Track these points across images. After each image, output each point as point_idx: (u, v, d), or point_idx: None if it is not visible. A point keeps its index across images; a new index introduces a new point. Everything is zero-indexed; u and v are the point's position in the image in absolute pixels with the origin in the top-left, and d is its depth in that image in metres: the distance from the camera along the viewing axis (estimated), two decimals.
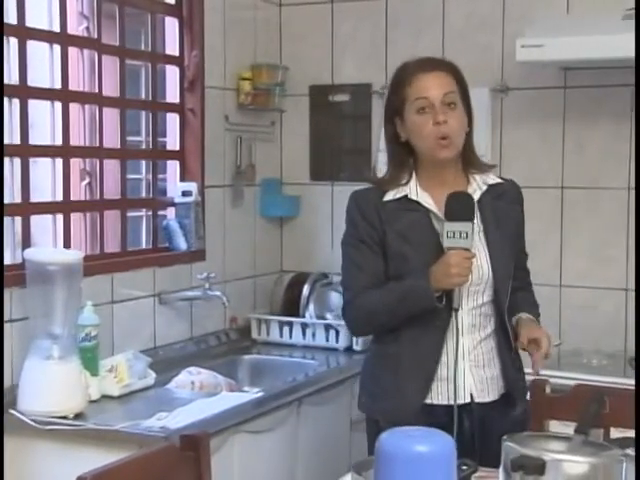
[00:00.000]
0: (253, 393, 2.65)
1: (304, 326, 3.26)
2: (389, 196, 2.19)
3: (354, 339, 3.16)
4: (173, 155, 3.17)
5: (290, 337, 3.27)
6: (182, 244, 3.09)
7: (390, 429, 1.64)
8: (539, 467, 1.54)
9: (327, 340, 3.21)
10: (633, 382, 2.64)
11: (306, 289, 3.34)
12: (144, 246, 3.14)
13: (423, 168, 2.20)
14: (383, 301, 2.16)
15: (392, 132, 2.21)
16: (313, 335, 3.24)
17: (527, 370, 2.16)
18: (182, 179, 3.16)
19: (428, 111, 2.13)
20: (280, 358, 3.16)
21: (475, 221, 2.12)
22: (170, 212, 3.14)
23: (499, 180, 2.25)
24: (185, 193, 3.11)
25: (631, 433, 1.88)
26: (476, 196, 2.18)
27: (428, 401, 2.14)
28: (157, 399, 2.53)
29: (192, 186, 3.11)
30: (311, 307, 3.30)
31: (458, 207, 2.11)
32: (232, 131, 3.28)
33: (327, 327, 3.23)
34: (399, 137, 2.19)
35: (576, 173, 3.17)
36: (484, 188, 2.20)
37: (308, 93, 3.52)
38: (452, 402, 2.10)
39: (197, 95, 3.13)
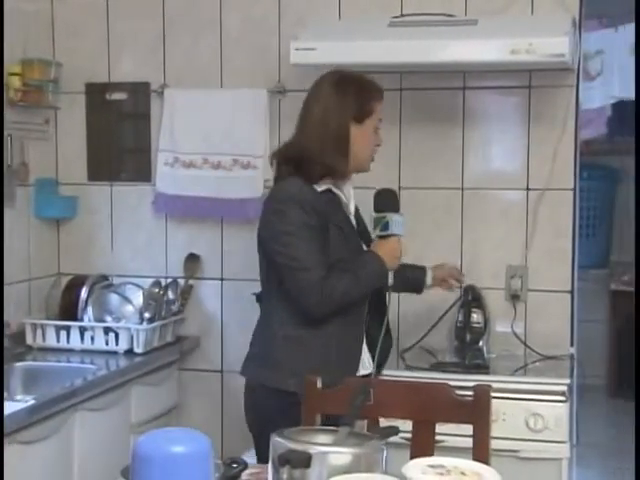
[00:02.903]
0: (24, 401, 2.54)
1: (82, 330, 3.17)
2: (319, 188, 2.46)
3: (135, 342, 3.11)
4: None
5: (68, 342, 3.17)
6: None
7: None
8: (305, 460, 1.58)
9: (107, 343, 3.14)
10: (402, 373, 2.78)
11: (84, 292, 3.25)
12: None
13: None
14: (352, 284, 2.42)
15: (347, 133, 2.46)
16: (92, 339, 3.15)
17: None
18: None
19: (377, 132, 2.53)
20: (57, 364, 3.05)
21: None
22: None
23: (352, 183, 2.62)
24: None
25: (395, 422, 1.97)
26: (353, 194, 2.56)
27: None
28: None
29: None
30: (90, 310, 3.21)
31: (396, 200, 2.50)
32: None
33: (106, 330, 3.15)
34: (349, 137, 2.47)
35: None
36: (352, 191, 2.59)
37: (84, 91, 3.43)
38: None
39: None
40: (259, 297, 2.68)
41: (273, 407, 2.45)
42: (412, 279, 2.86)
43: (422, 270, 2.89)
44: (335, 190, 2.50)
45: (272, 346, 2.51)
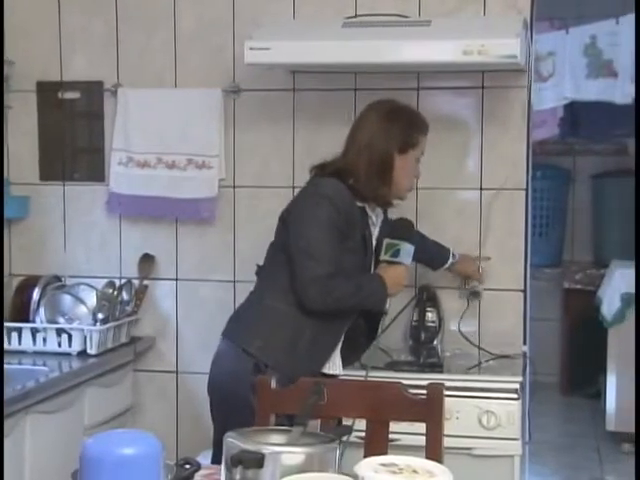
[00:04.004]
0: None
1: (34, 331, 3.13)
2: (358, 202, 2.56)
3: (88, 343, 3.08)
4: None
5: (19, 343, 3.12)
6: None
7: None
8: (258, 461, 1.58)
9: (59, 345, 3.10)
10: (357, 372, 2.79)
11: (36, 293, 3.21)
12: None
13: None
14: (353, 294, 2.52)
15: (391, 158, 2.57)
16: (44, 340, 3.12)
17: None
18: None
19: (417, 164, 2.67)
20: (8, 366, 2.97)
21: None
22: None
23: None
24: None
25: (349, 422, 1.98)
26: (380, 221, 2.68)
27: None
28: None
29: None
30: (42, 311, 3.17)
31: (411, 230, 2.68)
32: None
33: (59, 331, 3.12)
34: (393, 166, 2.58)
35: (306, 173, 3.24)
36: (382, 216, 2.71)
37: (36, 89, 3.39)
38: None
39: None
40: (258, 272, 2.74)
41: (234, 365, 2.54)
42: (433, 258, 3.03)
43: (446, 254, 3.04)
44: (368, 210, 2.62)
45: (252, 310, 2.62)
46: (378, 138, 2.59)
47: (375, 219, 2.69)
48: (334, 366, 2.64)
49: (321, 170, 2.65)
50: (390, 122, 2.61)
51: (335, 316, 2.59)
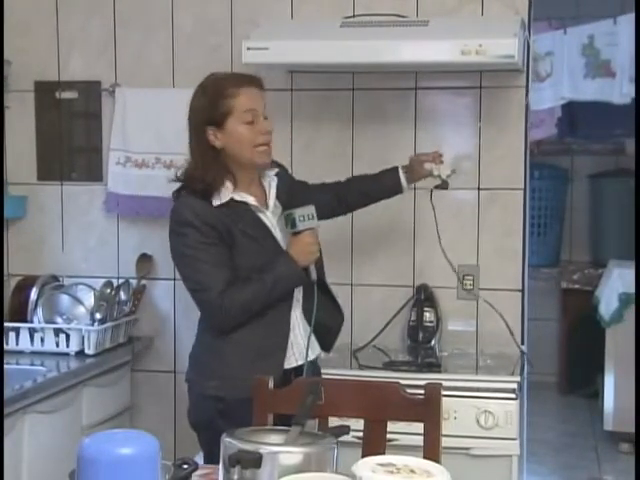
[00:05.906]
0: None
1: (32, 331, 3.13)
2: (216, 201, 2.37)
3: (86, 343, 3.08)
4: None
5: (17, 343, 3.12)
6: None
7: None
8: (256, 461, 1.59)
9: (57, 345, 3.10)
10: (355, 372, 2.79)
11: (34, 293, 3.21)
12: None
13: (238, 173, 2.42)
14: (256, 292, 2.35)
15: (206, 140, 2.37)
16: (42, 340, 3.12)
17: None
18: None
19: (255, 122, 2.38)
20: (6, 366, 2.98)
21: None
22: None
23: (275, 169, 2.56)
24: None
25: (347, 422, 1.98)
26: (274, 185, 2.49)
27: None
28: None
29: None
30: (40, 311, 3.17)
31: (299, 194, 2.52)
32: None
33: (57, 331, 3.12)
34: (213, 145, 2.37)
35: (304, 172, 3.26)
36: (275, 179, 2.51)
37: (33, 89, 3.39)
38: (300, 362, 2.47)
39: None
40: None
41: (202, 410, 2.46)
42: (380, 188, 2.78)
43: (395, 174, 2.74)
44: (238, 197, 2.40)
45: (197, 352, 2.54)
46: (193, 125, 2.40)
47: (267, 191, 2.49)
48: (300, 356, 2.47)
49: (177, 179, 2.48)
50: (199, 103, 2.39)
51: (266, 319, 2.41)
